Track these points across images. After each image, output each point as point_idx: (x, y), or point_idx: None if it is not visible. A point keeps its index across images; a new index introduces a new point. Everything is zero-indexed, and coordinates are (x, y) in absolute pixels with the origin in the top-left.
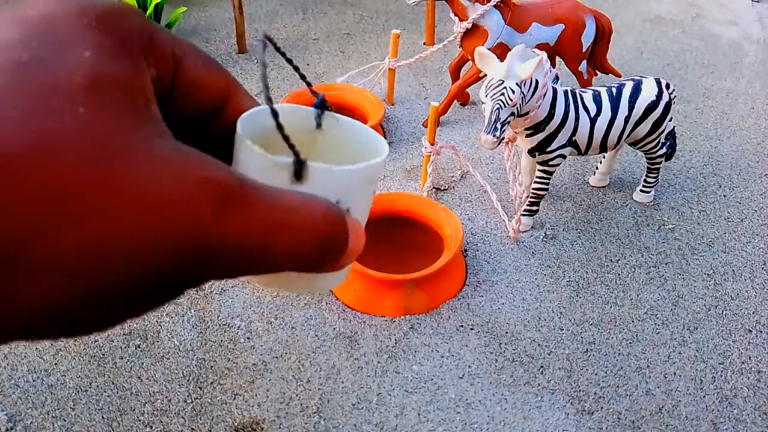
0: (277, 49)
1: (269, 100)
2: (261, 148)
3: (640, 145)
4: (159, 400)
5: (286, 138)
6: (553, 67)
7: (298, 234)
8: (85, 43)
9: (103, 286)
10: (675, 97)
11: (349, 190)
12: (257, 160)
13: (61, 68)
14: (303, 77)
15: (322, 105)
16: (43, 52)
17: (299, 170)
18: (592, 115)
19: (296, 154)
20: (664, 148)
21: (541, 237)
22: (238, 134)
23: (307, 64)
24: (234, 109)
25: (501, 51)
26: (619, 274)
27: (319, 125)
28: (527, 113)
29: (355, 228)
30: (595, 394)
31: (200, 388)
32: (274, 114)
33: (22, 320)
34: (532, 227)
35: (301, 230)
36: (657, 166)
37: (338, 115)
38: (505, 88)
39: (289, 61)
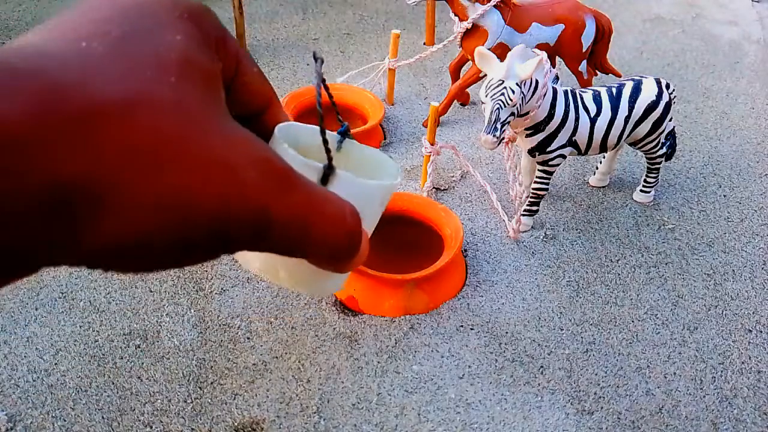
0: (319, 74)
1: (321, 118)
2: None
3: (640, 145)
4: (159, 400)
5: (325, 142)
6: (553, 67)
7: (331, 222)
8: (177, 29)
9: (172, 232)
10: (675, 97)
11: (364, 204)
12: (291, 161)
13: (157, 45)
14: (334, 105)
15: (345, 132)
16: (141, 30)
17: (328, 174)
18: (592, 115)
19: (330, 159)
20: (664, 148)
21: (541, 237)
22: (275, 137)
23: (307, 64)
24: (271, 118)
25: (501, 51)
26: (619, 274)
27: (339, 148)
28: (527, 113)
29: (365, 236)
30: (595, 394)
31: (200, 388)
32: (322, 130)
33: (96, 250)
34: (532, 227)
35: (334, 219)
36: (657, 166)
37: (358, 143)
38: (505, 88)
39: (325, 87)
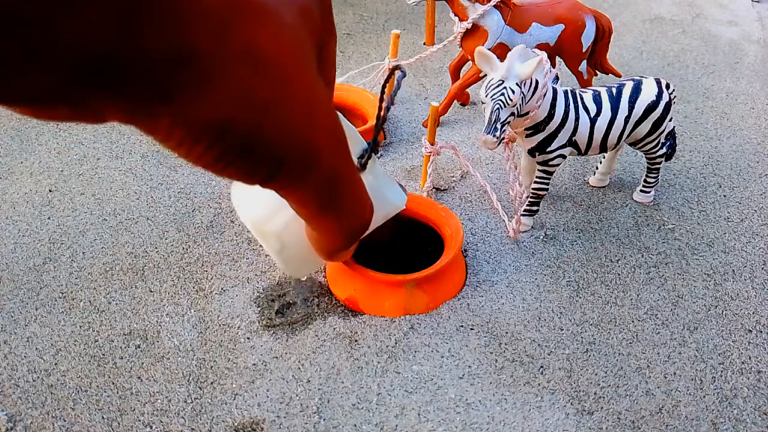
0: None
1: (385, 111)
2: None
3: (640, 145)
4: (159, 400)
5: (377, 130)
6: (553, 67)
7: (359, 204)
8: None
9: (246, 126)
10: (675, 97)
11: (376, 206)
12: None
13: None
14: (384, 119)
15: (374, 149)
16: None
17: (369, 158)
18: (592, 115)
19: (377, 143)
20: (664, 148)
21: (541, 237)
22: None
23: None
24: None
25: (501, 51)
26: (619, 274)
27: (363, 162)
28: (527, 113)
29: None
30: (595, 394)
31: (200, 388)
32: (384, 119)
33: (184, 116)
34: (532, 227)
35: (362, 202)
36: (657, 166)
37: (377, 161)
38: (505, 88)
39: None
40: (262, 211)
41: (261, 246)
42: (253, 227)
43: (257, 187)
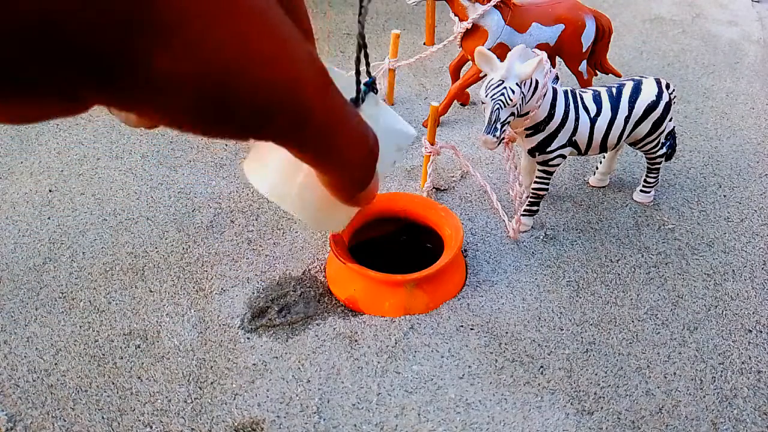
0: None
1: (361, 45)
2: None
3: (640, 145)
4: (159, 400)
5: (367, 64)
6: (553, 67)
7: (357, 135)
8: None
9: (222, 84)
10: (675, 97)
11: (382, 140)
12: (336, 79)
13: None
14: (366, 56)
15: (372, 87)
16: None
17: (365, 94)
18: (592, 115)
19: (373, 81)
20: (664, 148)
21: (541, 237)
22: None
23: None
24: None
25: (501, 51)
26: (619, 274)
27: (363, 100)
28: (527, 113)
29: (377, 176)
30: (595, 394)
31: (200, 388)
32: (366, 55)
33: (157, 76)
34: (532, 227)
35: (359, 133)
36: (657, 166)
37: (379, 100)
38: (505, 88)
39: (363, 45)
40: (276, 176)
41: (261, 246)
42: (271, 195)
43: (266, 155)
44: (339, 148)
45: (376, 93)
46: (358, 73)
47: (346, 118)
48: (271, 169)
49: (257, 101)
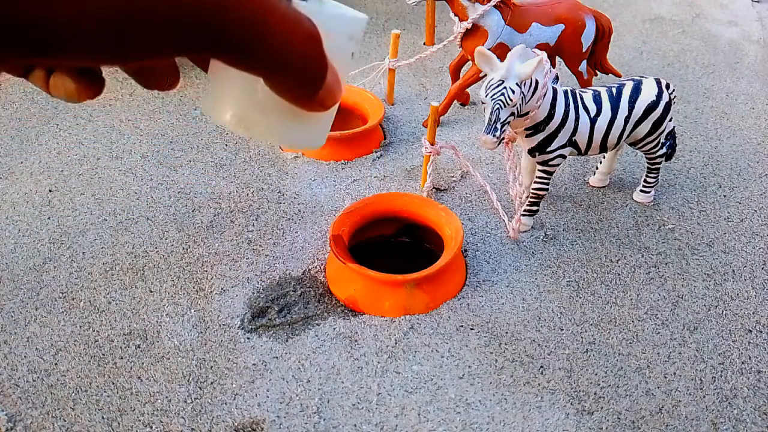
0: None
1: None
2: None
3: (640, 145)
4: (159, 400)
5: None
6: (553, 67)
7: (291, 22)
8: None
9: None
10: (675, 97)
11: (332, 34)
12: None
13: None
14: None
15: None
16: None
17: None
18: (592, 115)
19: None
20: (664, 148)
21: (541, 237)
22: None
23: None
24: None
25: (501, 51)
26: (619, 274)
27: None
28: (527, 113)
29: (332, 69)
30: (595, 394)
31: (200, 388)
32: None
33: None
34: (532, 227)
35: (294, 21)
36: (657, 166)
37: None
38: (505, 88)
39: None
40: (233, 104)
41: (261, 246)
42: (235, 124)
43: (219, 87)
44: (273, 42)
45: None
46: None
47: (272, 8)
48: (227, 99)
49: (167, 12)
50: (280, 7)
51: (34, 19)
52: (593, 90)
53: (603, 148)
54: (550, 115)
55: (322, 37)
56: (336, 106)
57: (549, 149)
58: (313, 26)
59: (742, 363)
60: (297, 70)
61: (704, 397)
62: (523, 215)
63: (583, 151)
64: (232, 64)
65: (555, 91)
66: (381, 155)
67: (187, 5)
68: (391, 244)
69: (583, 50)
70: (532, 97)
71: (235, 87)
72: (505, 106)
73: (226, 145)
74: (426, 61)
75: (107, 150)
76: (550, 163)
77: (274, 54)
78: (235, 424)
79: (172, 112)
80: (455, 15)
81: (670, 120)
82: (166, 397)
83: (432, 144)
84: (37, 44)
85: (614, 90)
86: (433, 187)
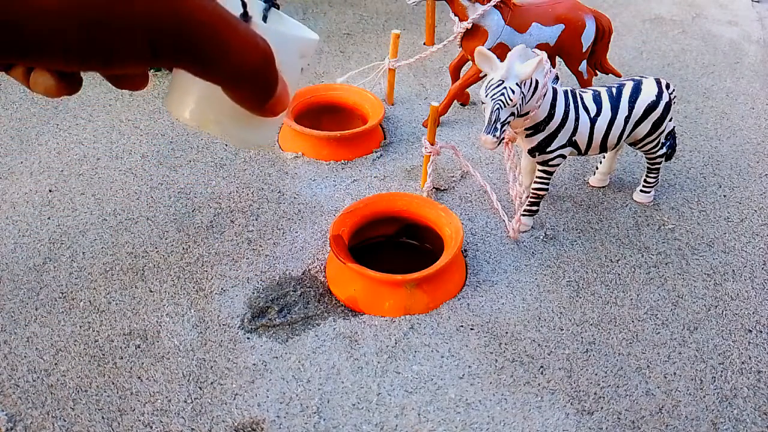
0: None
1: None
2: None
3: (640, 145)
4: (159, 400)
5: None
6: (553, 67)
7: (244, 37)
8: None
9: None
10: (675, 97)
11: (282, 51)
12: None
13: None
14: None
15: (272, 3)
16: None
17: (267, 11)
18: (592, 115)
19: (244, 5)
20: (664, 148)
21: (541, 237)
22: None
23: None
24: None
25: (501, 51)
26: (619, 274)
27: (265, 18)
28: (527, 113)
29: (283, 81)
30: (595, 394)
31: (200, 388)
32: None
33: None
34: (532, 227)
35: (246, 36)
36: (657, 166)
37: (283, 14)
38: (505, 88)
39: None
40: (192, 103)
41: (261, 246)
42: (191, 120)
43: (183, 86)
44: (231, 59)
45: (278, 8)
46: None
47: (226, 21)
48: (188, 99)
49: (137, 22)
50: (239, 28)
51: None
52: (593, 90)
53: (603, 148)
54: (550, 115)
55: (275, 54)
56: (285, 112)
57: (549, 149)
58: (267, 46)
59: (742, 363)
60: (251, 82)
61: (704, 397)
62: (523, 215)
63: (583, 151)
64: (194, 74)
65: (555, 91)
66: (381, 155)
67: (154, 21)
68: (391, 244)
69: (583, 50)
70: (532, 97)
71: (195, 91)
72: (505, 106)
73: (226, 145)
74: (426, 61)
75: (107, 150)
76: (550, 163)
77: (232, 68)
78: (235, 424)
79: None
80: (455, 15)
81: (670, 120)
82: (166, 397)
83: (432, 144)
84: (5, 45)
85: (614, 90)
86: (433, 187)
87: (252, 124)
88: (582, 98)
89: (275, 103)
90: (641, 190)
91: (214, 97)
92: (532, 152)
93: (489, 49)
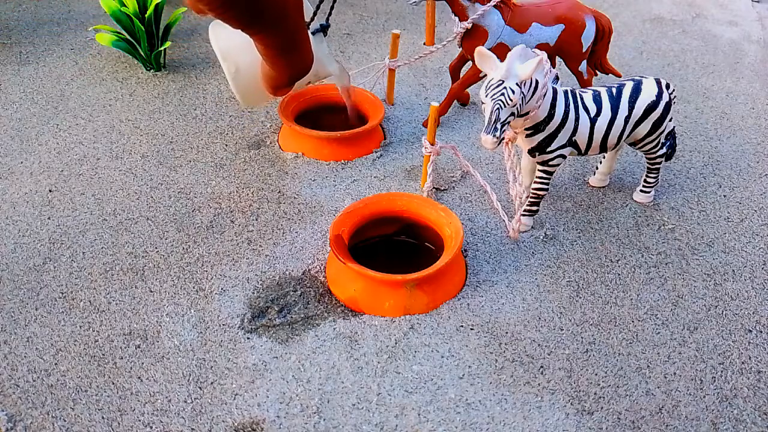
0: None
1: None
2: None
3: (640, 145)
4: (159, 400)
5: (330, 14)
6: (553, 67)
7: (308, 47)
8: None
9: None
10: (675, 97)
11: (315, 64)
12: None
13: None
14: (332, 8)
15: (324, 29)
16: None
17: (318, 31)
18: (592, 115)
19: (328, 25)
20: (664, 148)
21: (541, 237)
22: None
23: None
24: None
25: (501, 51)
26: (619, 274)
27: (314, 33)
28: (527, 113)
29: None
30: (595, 394)
31: (200, 388)
32: (332, 7)
33: None
34: (532, 227)
35: (309, 47)
36: (657, 166)
37: (324, 39)
38: (505, 88)
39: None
40: (230, 44)
41: (261, 246)
42: (220, 52)
43: (232, 33)
44: (293, 53)
45: (325, 34)
46: (315, 13)
47: (306, 35)
48: (230, 39)
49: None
50: (308, 41)
51: None
52: (593, 90)
53: (603, 148)
54: (550, 115)
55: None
56: (279, 99)
57: (549, 149)
58: (311, 63)
59: (742, 363)
60: (289, 75)
61: (704, 397)
62: (523, 215)
63: (583, 151)
64: (261, 45)
65: (555, 91)
66: (381, 155)
67: (282, 5)
68: (391, 243)
69: (583, 50)
70: (532, 97)
71: (243, 41)
72: (505, 106)
73: (226, 145)
74: (426, 61)
75: (107, 150)
76: (550, 163)
77: (290, 61)
78: (235, 424)
79: (172, 112)
80: (455, 15)
81: (670, 120)
82: (166, 397)
83: (432, 144)
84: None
85: (614, 90)
86: (433, 187)
87: (254, 87)
88: (582, 98)
89: (284, 92)
90: (641, 190)
91: (247, 53)
92: (532, 152)
93: (489, 49)
